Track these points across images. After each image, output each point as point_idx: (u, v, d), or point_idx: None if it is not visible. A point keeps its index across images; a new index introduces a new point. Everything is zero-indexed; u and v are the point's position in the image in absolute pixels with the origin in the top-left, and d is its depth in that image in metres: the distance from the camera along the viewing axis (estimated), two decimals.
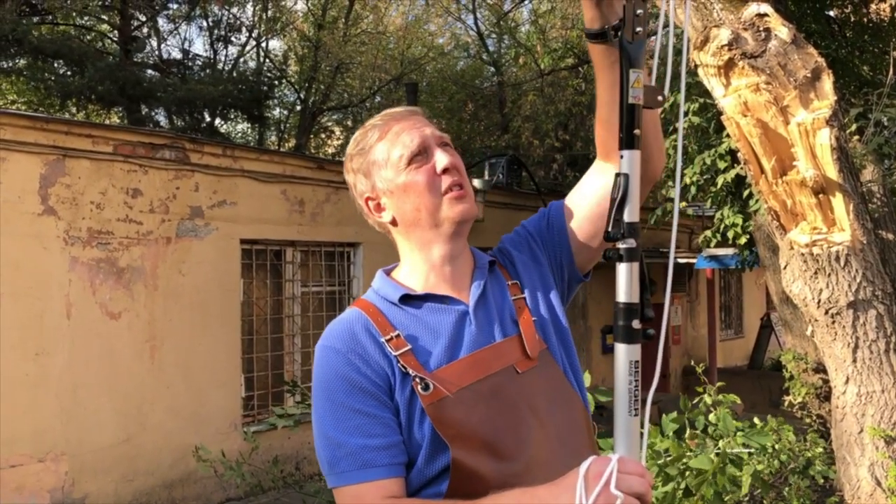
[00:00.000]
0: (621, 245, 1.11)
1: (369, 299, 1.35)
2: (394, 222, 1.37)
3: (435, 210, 1.30)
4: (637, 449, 1.11)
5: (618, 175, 1.12)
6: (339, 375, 1.23)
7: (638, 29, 1.11)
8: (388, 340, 1.25)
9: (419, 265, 1.35)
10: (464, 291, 1.34)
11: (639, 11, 1.11)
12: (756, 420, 3.39)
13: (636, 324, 1.11)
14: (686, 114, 6.54)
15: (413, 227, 1.34)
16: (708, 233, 7.33)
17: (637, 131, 1.11)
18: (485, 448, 1.20)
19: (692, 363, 3.78)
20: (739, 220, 6.49)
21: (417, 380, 1.21)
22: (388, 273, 1.40)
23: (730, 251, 7.71)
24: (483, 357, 1.27)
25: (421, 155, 1.31)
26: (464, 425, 1.20)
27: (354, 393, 1.21)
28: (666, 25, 1.18)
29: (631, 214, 1.11)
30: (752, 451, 2.90)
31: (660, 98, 1.14)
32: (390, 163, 1.32)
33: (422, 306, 1.31)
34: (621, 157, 1.13)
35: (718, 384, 3.40)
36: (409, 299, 1.32)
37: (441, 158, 1.31)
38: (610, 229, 1.11)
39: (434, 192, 1.30)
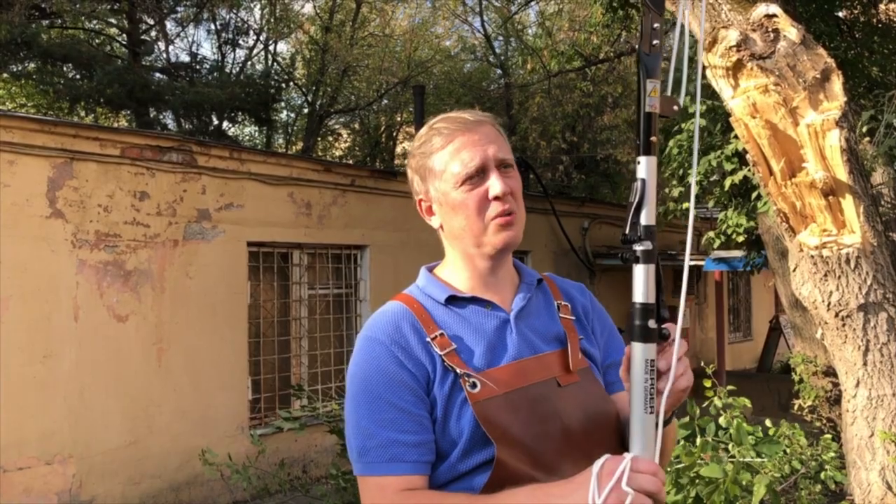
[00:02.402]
0: (638, 247, 1.16)
1: (413, 295, 1.37)
2: (441, 227, 1.39)
3: (480, 233, 1.32)
4: (652, 445, 1.13)
5: (635, 180, 1.16)
6: (379, 367, 1.25)
7: (654, 42, 1.16)
8: (433, 339, 1.27)
9: (463, 270, 1.38)
10: (506, 301, 1.37)
11: (655, 25, 1.16)
12: (768, 422, 3.37)
13: (652, 323, 1.14)
14: (693, 116, 6.53)
15: (458, 241, 1.36)
16: (711, 234, 7.31)
17: (654, 138, 1.16)
18: (525, 453, 1.23)
19: (702, 364, 3.75)
20: (743, 221, 6.48)
21: (466, 377, 1.24)
22: (431, 270, 1.42)
23: (738, 253, 7.68)
24: (528, 366, 1.30)
25: (477, 176, 1.31)
26: (508, 427, 1.23)
27: (392, 386, 1.23)
28: (681, 32, 1.23)
29: (647, 218, 1.15)
30: (765, 459, 2.87)
31: (675, 108, 1.19)
32: (446, 176, 1.33)
33: (466, 307, 1.34)
34: (638, 162, 1.17)
35: (729, 387, 3.37)
36: (454, 300, 1.35)
37: (495, 185, 1.30)
38: (627, 232, 1.15)
39: (481, 217, 1.31)
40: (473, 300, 1.35)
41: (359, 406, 1.25)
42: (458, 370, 1.25)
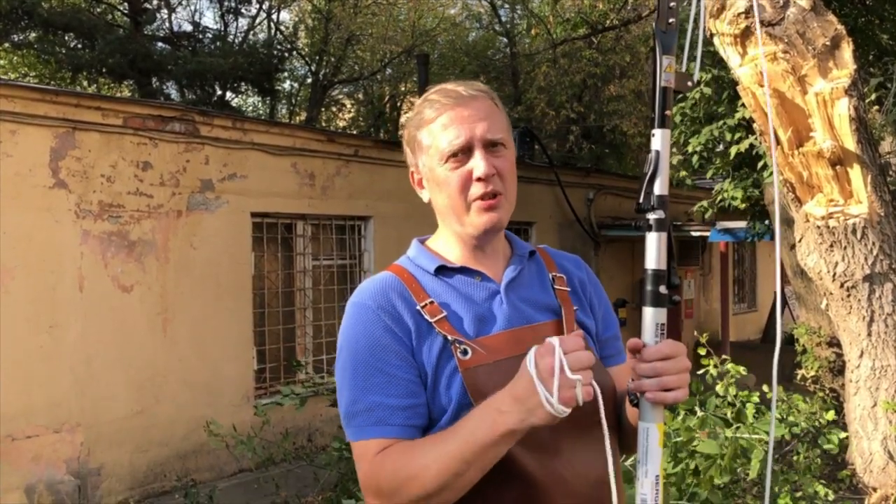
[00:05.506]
0: (651, 216, 1.19)
1: (403, 265, 1.36)
2: (430, 202, 1.38)
3: (462, 213, 1.30)
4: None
5: (649, 151, 1.20)
6: (366, 332, 1.25)
7: (671, 20, 1.22)
8: (423, 307, 1.27)
9: (453, 243, 1.36)
10: (497, 273, 1.35)
11: (672, 4, 1.21)
12: (766, 388, 3.36)
13: (663, 289, 1.19)
14: (697, 84, 6.47)
15: (444, 217, 1.35)
16: (704, 203, 7.29)
17: (668, 112, 1.20)
18: None
19: (695, 333, 3.73)
20: (739, 194, 6.45)
21: (457, 343, 1.23)
22: (423, 242, 1.41)
23: (742, 224, 7.66)
24: (522, 334, 1.28)
25: (462, 154, 1.28)
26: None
27: (378, 351, 1.23)
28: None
29: (661, 188, 1.19)
30: (760, 435, 2.86)
31: (689, 83, 1.24)
32: (432, 151, 1.31)
33: (454, 277, 1.33)
34: (653, 135, 1.21)
35: (725, 357, 3.36)
36: (443, 270, 1.34)
37: (478, 165, 1.27)
38: (641, 201, 1.19)
39: (463, 196, 1.29)
40: (463, 270, 1.34)
41: (346, 372, 1.25)
42: (448, 336, 1.24)
